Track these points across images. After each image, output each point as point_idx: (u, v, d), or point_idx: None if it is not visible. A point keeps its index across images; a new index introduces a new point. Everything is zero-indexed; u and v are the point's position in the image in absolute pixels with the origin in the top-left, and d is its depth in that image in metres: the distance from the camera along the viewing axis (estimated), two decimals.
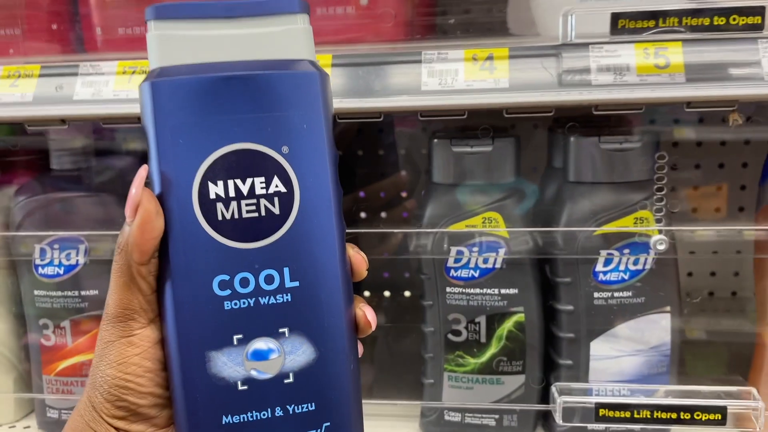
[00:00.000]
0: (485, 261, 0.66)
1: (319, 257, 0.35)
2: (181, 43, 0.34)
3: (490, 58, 0.56)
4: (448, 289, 0.67)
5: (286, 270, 0.34)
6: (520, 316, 0.67)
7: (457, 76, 0.55)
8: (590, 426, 0.65)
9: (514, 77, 0.54)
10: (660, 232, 0.61)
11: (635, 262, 0.64)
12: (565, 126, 0.66)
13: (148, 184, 0.35)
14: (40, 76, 0.60)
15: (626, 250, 0.64)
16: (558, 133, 0.69)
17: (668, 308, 0.65)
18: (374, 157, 0.96)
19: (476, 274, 0.66)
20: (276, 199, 0.34)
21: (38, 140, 0.75)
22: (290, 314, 0.35)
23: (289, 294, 0.34)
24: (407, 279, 0.96)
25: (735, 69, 0.52)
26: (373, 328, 0.38)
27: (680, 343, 0.67)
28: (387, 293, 0.99)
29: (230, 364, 0.34)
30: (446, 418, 0.70)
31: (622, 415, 0.59)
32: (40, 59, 0.62)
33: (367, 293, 0.98)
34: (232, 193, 0.34)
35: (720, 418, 0.58)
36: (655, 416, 0.59)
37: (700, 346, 0.82)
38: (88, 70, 0.60)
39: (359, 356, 0.39)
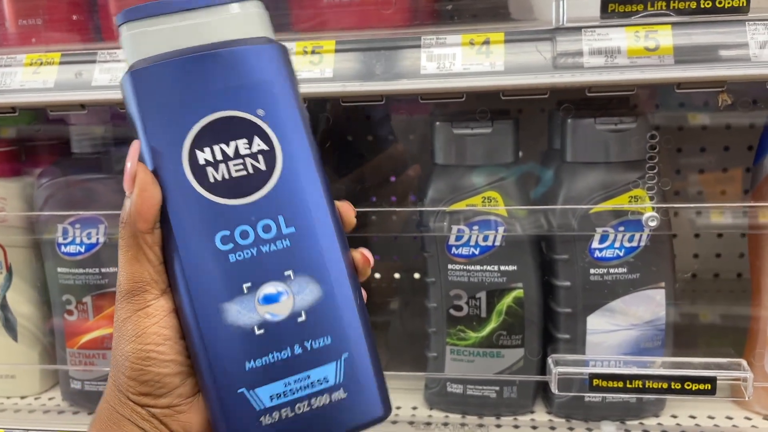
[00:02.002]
0: (485, 239, 0.69)
1: (309, 203, 0.37)
2: (153, 37, 0.37)
3: (486, 42, 0.58)
4: (449, 266, 0.70)
5: (280, 218, 0.37)
6: (519, 292, 0.69)
7: (454, 60, 0.58)
8: (587, 396, 0.68)
9: (510, 61, 0.57)
10: (653, 209, 0.63)
11: (630, 239, 0.66)
12: (561, 107, 0.68)
13: (141, 160, 0.37)
14: (61, 63, 0.63)
15: (621, 228, 0.66)
16: (556, 115, 0.71)
17: (662, 284, 0.67)
18: (384, 142, 0.98)
19: (476, 252, 0.69)
20: (260, 157, 0.37)
21: (59, 128, 0.79)
22: (292, 258, 0.37)
23: (287, 239, 0.37)
24: (416, 261, 0.99)
25: (723, 51, 0.54)
26: (371, 265, 0.40)
27: (688, 324, 0.69)
28: (397, 275, 1.02)
29: (244, 312, 0.37)
30: (449, 389, 0.73)
31: (615, 385, 0.62)
32: (61, 47, 0.65)
33: (377, 275, 1.01)
34: (219, 157, 0.37)
35: (710, 388, 0.60)
36: (647, 386, 0.61)
37: (706, 326, 0.84)
38: (106, 57, 0.63)
39: (364, 299, 0.40)
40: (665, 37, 0.54)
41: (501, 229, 0.68)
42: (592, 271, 0.67)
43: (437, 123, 0.69)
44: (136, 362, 0.37)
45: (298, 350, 0.37)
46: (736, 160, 0.92)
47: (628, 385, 0.61)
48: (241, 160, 0.37)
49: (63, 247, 0.74)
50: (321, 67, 0.60)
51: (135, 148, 0.37)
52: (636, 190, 0.65)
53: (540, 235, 0.69)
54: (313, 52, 0.60)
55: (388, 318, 0.96)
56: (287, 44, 0.43)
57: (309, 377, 0.37)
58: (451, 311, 0.71)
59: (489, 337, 0.71)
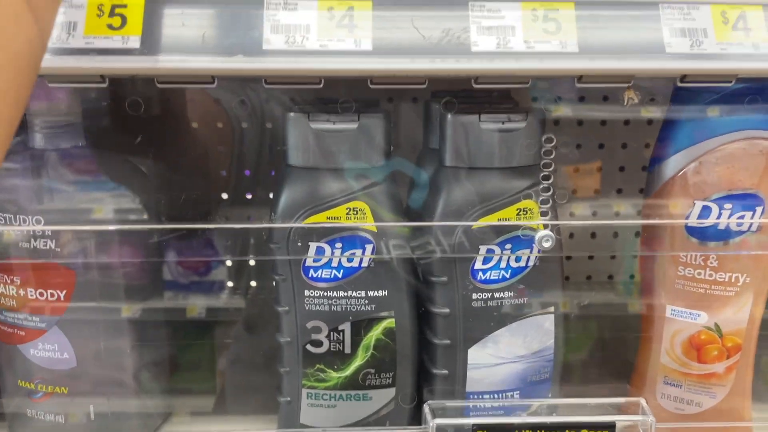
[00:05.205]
0: (350, 260, 0.56)
1: None
2: None
3: (350, 10, 0.44)
4: (306, 293, 0.57)
5: None
6: (390, 322, 0.57)
7: (308, 33, 0.44)
8: None
9: (379, 38, 0.44)
10: (546, 226, 0.53)
11: (517, 259, 0.56)
12: (441, 101, 0.56)
13: None
14: None
15: (508, 246, 0.56)
16: (433, 109, 0.60)
17: (552, 309, 0.59)
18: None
19: (339, 275, 0.56)
20: None
21: None
22: None
23: None
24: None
25: (633, 38, 0.44)
26: None
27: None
28: (254, 283, 0.87)
29: None
30: None
31: None
32: None
33: (230, 283, 0.85)
34: None
35: None
36: None
37: (577, 330, 0.77)
38: None
39: None
40: (568, 19, 0.44)
41: (369, 248, 0.56)
42: (474, 296, 0.57)
43: (291, 114, 0.55)
44: None
45: None
46: (610, 157, 0.86)
47: None
48: None
49: None
50: (124, 32, 0.43)
51: None
52: (526, 201, 0.55)
53: (414, 256, 0.57)
54: (112, 13, 0.43)
55: (233, 340, 0.81)
56: None
57: None
58: (309, 347, 0.58)
59: (354, 377, 0.58)
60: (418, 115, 0.73)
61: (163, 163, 0.66)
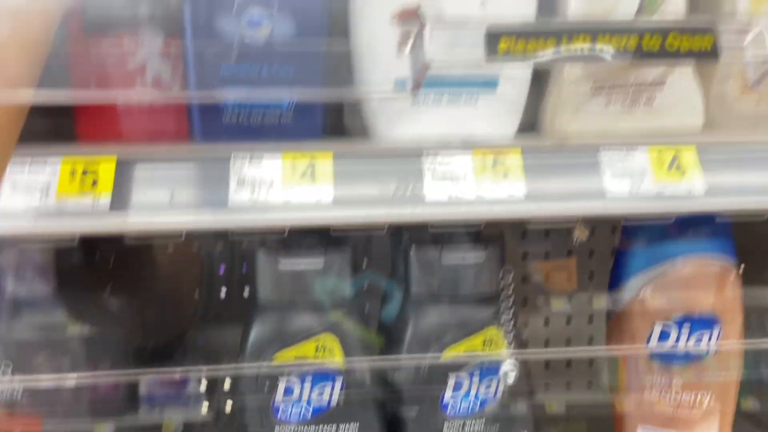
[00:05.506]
0: (320, 395, 0.56)
1: None
2: None
3: (311, 164, 0.47)
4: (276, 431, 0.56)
5: None
6: None
7: (272, 187, 0.46)
8: None
9: (340, 189, 0.46)
10: (510, 356, 0.54)
11: (486, 388, 0.57)
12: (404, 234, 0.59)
13: None
14: None
15: (476, 374, 0.56)
16: (398, 242, 0.62)
17: None
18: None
19: (309, 413, 0.56)
20: None
21: None
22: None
23: None
24: None
25: (576, 182, 0.47)
26: None
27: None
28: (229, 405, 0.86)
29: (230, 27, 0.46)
30: None
31: None
32: None
33: (205, 406, 0.84)
34: None
35: None
36: None
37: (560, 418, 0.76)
38: None
39: None
40: (515, 166, 0.47)
41: (339, 381, 0.56)
42: (445, 428, 0.57)
43: (260, 255, 0.57)
44: None
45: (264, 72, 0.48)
46: (579, 264, 0.89)
47: None
48: None
49: None
50: (96, 191, 0.45)
51: None
52: (490, 330, 0.57)
53: (384, 387, 0.57)
54: (84, 173, 0.46)
55: None
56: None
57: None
58: None
59: None
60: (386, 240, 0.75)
61: (138, 289, 0.67)
